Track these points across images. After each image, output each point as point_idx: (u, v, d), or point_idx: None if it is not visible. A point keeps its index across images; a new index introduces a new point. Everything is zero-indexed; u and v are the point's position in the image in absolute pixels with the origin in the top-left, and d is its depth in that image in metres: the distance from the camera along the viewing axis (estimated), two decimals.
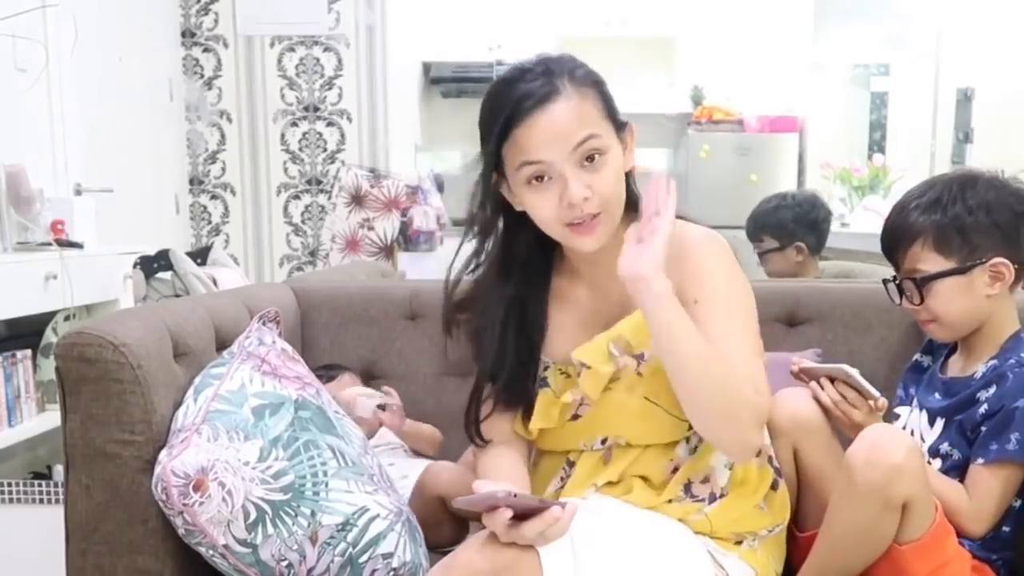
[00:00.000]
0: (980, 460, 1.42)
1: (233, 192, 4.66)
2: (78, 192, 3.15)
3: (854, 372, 1.45)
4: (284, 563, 1.35)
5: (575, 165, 1.27)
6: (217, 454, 1.33)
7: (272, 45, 4.56)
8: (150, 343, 1.40)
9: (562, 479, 1.43)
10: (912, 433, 1.53)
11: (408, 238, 4.40)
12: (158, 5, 4.31)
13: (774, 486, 1.42)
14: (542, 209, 1.30)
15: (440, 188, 4.65)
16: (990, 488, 1.41)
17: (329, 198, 4.56)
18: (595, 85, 1.32)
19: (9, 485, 2.32)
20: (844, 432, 1.46)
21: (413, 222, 4.37)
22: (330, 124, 4.61)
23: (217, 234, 4.67)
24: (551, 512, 1.18)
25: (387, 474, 1.58)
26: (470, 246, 1.41)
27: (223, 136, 4.61)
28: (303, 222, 4.68)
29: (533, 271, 1.43)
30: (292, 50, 4.56)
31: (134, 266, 2.95)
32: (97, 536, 1.38)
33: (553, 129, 1.26)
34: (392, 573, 1.42)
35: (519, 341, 1.40)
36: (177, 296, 2.90)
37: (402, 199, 4.35)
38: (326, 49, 4.56)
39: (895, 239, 1.53)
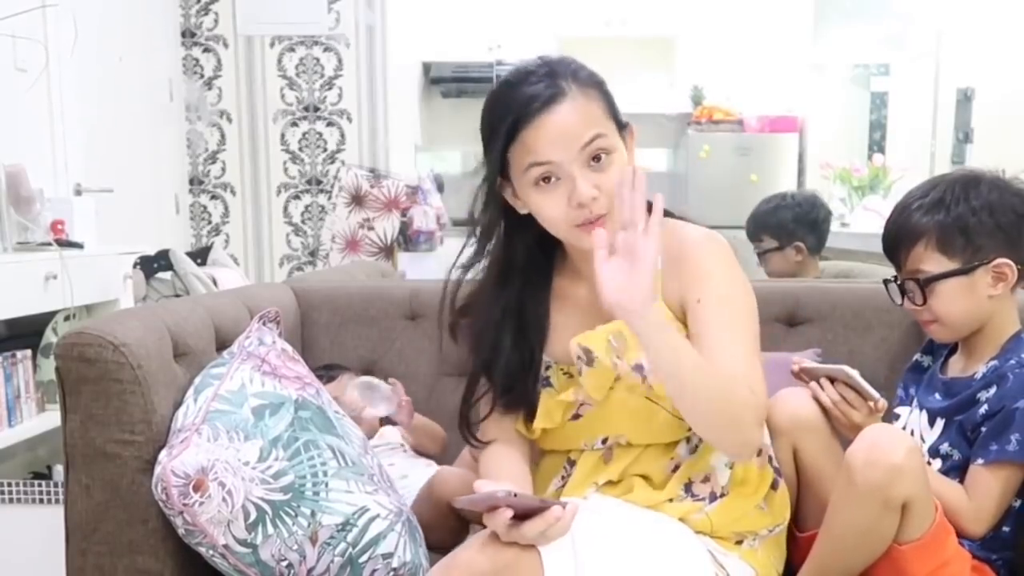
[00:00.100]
0: (980, 460, 1.42)
1: (233, 192, 4.66)
2: (78, 192, 3.15)
3: (854, 373, 1.45)
4: (284, 563, 1.35)
5: (582, 165, 1.28)
6: (217, 454, 1.33)
7: (272, 45, 4.56)
8: (150, 343, 1.40)
9: (563, 478, 1.43)
10: (912, 433, 1.53)
11: (408, 238, 4.40)
12: (158, 5, 4.32)
13: (774, 486, 1.42)
14: (550, 210, 1.30)
15: (440, 188, 4.65)
16: (990, 488, 1.41)
17: (329, 198, 4.56)
18: (598, 86, 1.33)
19: (9, 485, 2.32)
20: (843, 433, 1.46)
21: (413, 222, 4.38)
22: (330, 124, 4.61)
23: (217, 234, 4.67)
24: (552, 512, 1.18)
25: (387, 474, 1.58)
26: (470, 248, 1.41)
27: (223, 136, 4.61)
28: (303, 222, 4.68)
29: (534, 273, 1.43)
30: (292, 50, 4.57)
31: (134, 266, 2.95)
32: (97, 536, 1.38)
33: (560, 130, 1.26)
34: (392, 573, 1.42)
35: (520, 344, 1.41)
36: (177, 296, 2.90)
37: (402, 199, 4.35)
38: (326, 49, 4.56)
39: (897, 239, 1.53)
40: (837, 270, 2.86)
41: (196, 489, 1.30)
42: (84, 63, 3.23)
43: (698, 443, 1.38)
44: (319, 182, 4.64)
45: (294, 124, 4.61)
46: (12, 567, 2.28)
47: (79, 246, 2.70)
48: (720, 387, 1.24)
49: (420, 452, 1.85)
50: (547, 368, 1.42)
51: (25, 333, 2.65)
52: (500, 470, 1.38)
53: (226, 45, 4.55)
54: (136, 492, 1.36)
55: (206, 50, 4.55)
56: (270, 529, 1.34)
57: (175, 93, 4.45)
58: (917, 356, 1.66)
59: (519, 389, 1.40)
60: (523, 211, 1.35)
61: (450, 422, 1.81)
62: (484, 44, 5.78)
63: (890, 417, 1.58)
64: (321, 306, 1.98)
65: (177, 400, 1.43)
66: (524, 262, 1.42)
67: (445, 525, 1.60)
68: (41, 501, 2.30)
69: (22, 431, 2.50)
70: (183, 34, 4.53)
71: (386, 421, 1.86)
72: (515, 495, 1.16)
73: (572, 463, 1.43)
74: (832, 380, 1.48)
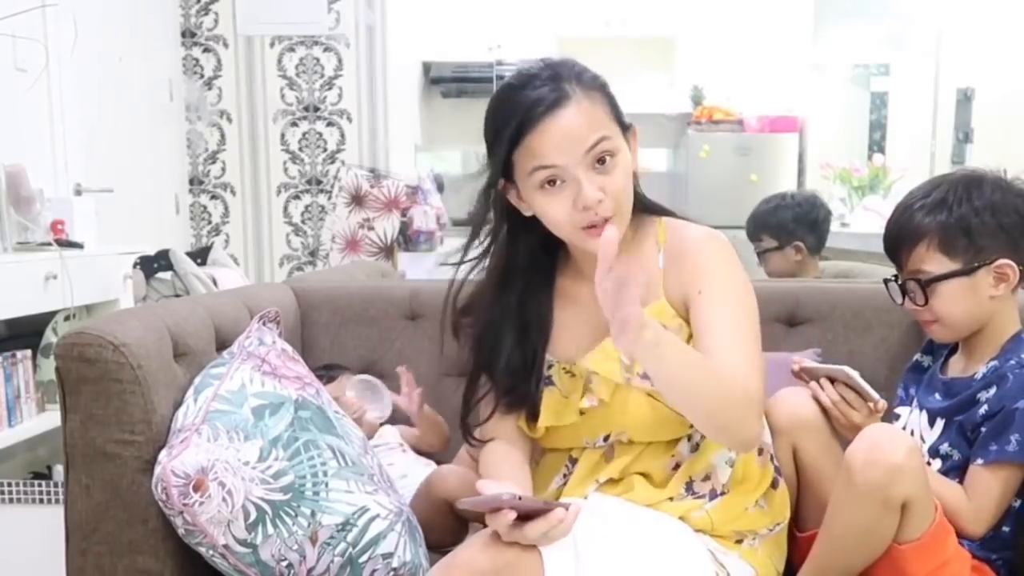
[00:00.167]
0: (980, 461, 1.42)
1: (233, 192, 4.66)
2: (78, 192, 3.15)
3: (854, 374, 1.45)
4: (284, 563, 1.35)
5: (587, 168, 1.28)
6: (217, 454, 1.33)
7: (272, 45, 4.56)
8: (150, 343, 1.40)
9: (564, 476, 1.43)
10: (912, 433, 1.53)
11: (408, 238, 4.40)
12: (158, 5, 4.31)
13: (774, 484, 1.42)
14: (555, 213, 1.30)
15: (440, 188, 4.65)
16: (989, 489, 1.41)
17: (329, 198, 4.56)
18: (601, 88, 1.33)
19: (9, 485, 2.32)
20: (843, 433, 1.46)
21: (413, 222, 4.38)
22: (330, 124, 4.61)
23: (217, 234, 4.67)
24: (555, 514, 1.18)
25: (387, 474, 1.58)
26: (472, 248, 1.42)
27: (223, 136, 4.61)
28: (303, 222, 4.68)
29: (537, 273, 1.44)
30: (292, 50, 4.56)
31: (134, 266, 2.95)
32: (97, 536, 1.38)
33: (565, 133, 1.27)
34: (392, 573, 1.42)
35: (522, 343, 1.41)
36: (177, 296, 2.90)
37: (402, 199, 4.35)
38: (326, 49, 4.56)
39: (899, 239, 1.53)
40: (837, 270, 2.86)
41: (196, 489, 1.30)
42: (84, 63, 3.23)
43: (699, 441, 1.38)
44: (319, 182, 4.64)
45: (294, 124, 4.61)
46: (12, 567, 2.28)
47: (79, 246, 2.70)
48: (720, 387, 1.24)
49: (420, 451, 1.85)
50: (549, 367, 1.43)
51: (25, 333, 2.65)
52: (501, 470, 1.38)
53: (226, 45, 4.55)
54: (136, 492, 1.36)
55: (206, 50, 4.55)
56: (270, 529, 1.34)
57: (175, 93, 4.44)
58: (917, 356, 1.66)
59: (522, 388, 1.41)
60: (527, 213, 1.35)
61: (450, 422, 1.82)
62: (484, 44, 5.79)
63: (890, 417, 1.58)
64: (321, 306, 1.98)
65: (177, 400, 1.43)
66: (527, 263, 1.42)
67: (444, 523, 1.60)
68: (41, 501, 2.30)
69: (22, 431, 2.50)
70: (183, 34, 4.53)
71: (394, 418, 1.86)
72: (519, 498, 1.16)
73: (574, 461, 1.43)
74: (832, 380, 1.48)
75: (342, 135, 4.61)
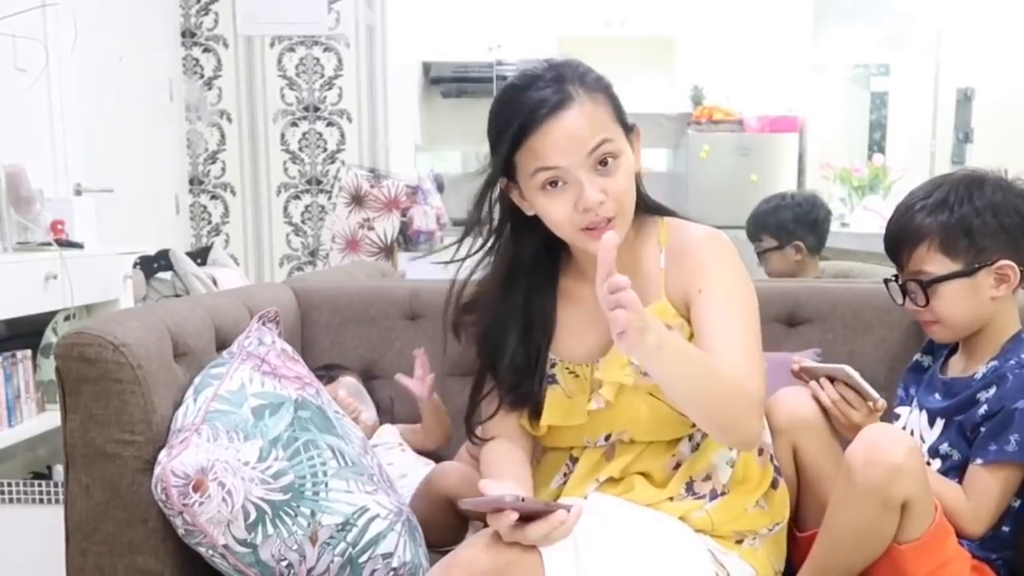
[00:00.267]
0: (979, 461, 1.42)
1: (233, 192, 4.66)
2: (78, 192, 3.15)
3: (854, 373, 1.45)
4: (284, 563, 1.35)
5: (589, 170, 1.28)
6: (217, 454, 1.33)
7: (272, 45, 4.56)
8: (150, 343, 1.40)
9: (565, 475, 1.43)
10: (912, 433, 1.53)
11: (408, 238, 4.40)
12: (158, 5, 4.31)
13: (774, 484, 1.42)
14: (556, 214, 1.31)
15: (440, 188, 4.65)
16: (989, 489, 1.41)
17: (329, 198, 4.56)
18: (604, 90, 1.33)
19: (9, 485, 2.32)
20: (843, 433, 1.46)
21: (413, 222, 4.37)
22: (330, 124, 4.61)
23: (217, 234, 4.67)
24: (556, 515, 1.18)
25: (387, 474, 1.58)
26: (468, 247, 1.42)
27: (223, 136, 4.61)
28: (303, 222, 4.68)
29: (540, 273, 1.44)
30: (292, 50, 4.56)
31: (134, 266, 2.95)
32: (97, 536, 1.38)
33: (568, 135, 1.27)
34: (392, 573, 1.42)
35: (526, 342, 1.42)
36: (177, 296, 2.90)
37: (402, 199, 4.35)
38: (326, 49, 4.56)
39: (900, 240, 1.53)
40: (837, 270, 2.86)
41: (196, 489, 1.30)
42: (84, 63, 3.23)
43: (700, 441, 1.39)
44: (319, 182, 4.64)
45: (294, 124, 4.61)
46: (12, 567, 2.28)
47: (79, 246, 2.70)
48: (721, 386, 1.24)
49: (419, 450, 1.85)
50: (552, 366, 1.43)
51: (25, 333, 2.65)
52: (502, 468, 1.38)
53: (226, 45, 4.55)
54: (136, 492, 1.36)
55: (206, 50, 4.55)
56: (270, 529, 1.34)
57: (175, 93, 4.44)
58: (917, 356, 1.66)
59: (525, 386, 1.41)
60: (530, 212, 1.36)
61: (453, 422, 1.82)
62: (484, 44, 5.79)
63: (890, 417, 1.58)
64: (321, 306, 1.98)
65: (177, 400, 1.42)
66: (530, 262, 1.43)
67: (444, 521, 1.59)
68: (41, 501, 2.30)
69: (22, 431, 2.50)
70: (183, 34, 4.53)
71: (394, 416, 1.86)
72: (522, 499, 1.16)
73: (575, 460, 1.43)
74: (832, 380, 1.48)
75: (342, 135, 4.61)
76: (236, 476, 1.33)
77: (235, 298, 1.76)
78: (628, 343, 1.14)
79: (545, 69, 1.31)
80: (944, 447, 1.48)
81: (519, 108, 1.28)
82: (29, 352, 2.57)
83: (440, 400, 1.84)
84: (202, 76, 4.56)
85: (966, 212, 1.46)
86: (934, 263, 1.48)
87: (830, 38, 5.82)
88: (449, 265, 1.46)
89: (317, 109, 4.60)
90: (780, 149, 5.80)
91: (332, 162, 4.61)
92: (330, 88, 4.58)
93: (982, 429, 1.43)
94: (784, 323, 1.89)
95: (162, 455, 1.33)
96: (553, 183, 1.29)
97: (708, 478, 1.37)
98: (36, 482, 2.35)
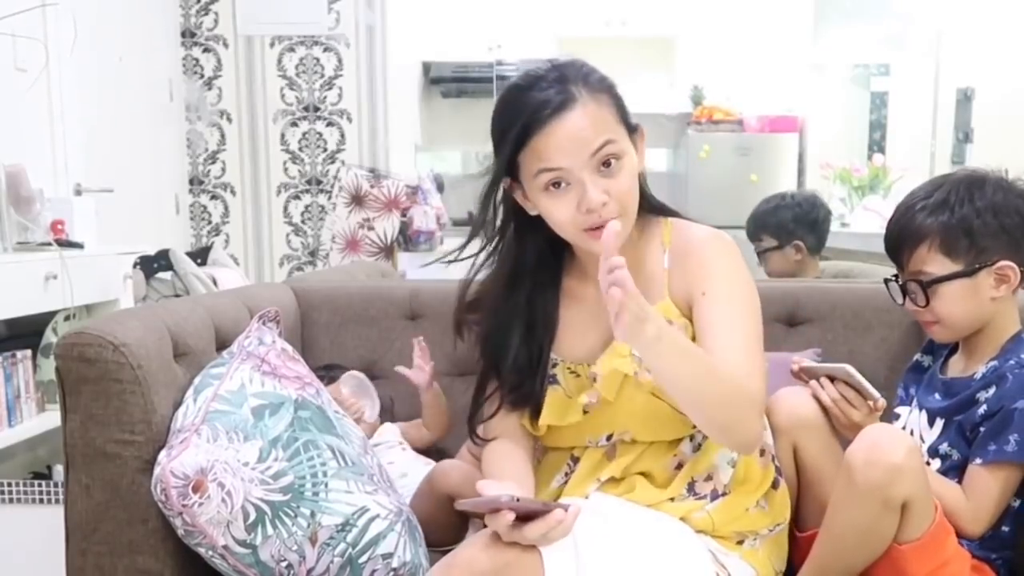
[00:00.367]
0: (978, 461, 1.42)
1: (233, 192, 4.66)
2: (78, 192, 3.15)
3: (854, 372, 1.45)
4: (284, 564, 1.35)
5: (593, 171, 1.28)
6: (216, 455, 1.33)
7: (272, 45, 4.56)
8: (150, 343, 1.40)
9: (566, 475, 1.43)
10: (912, 433, 1.53)
11: (408, 238, 4.40)
12: (158, 5, 4.31)
13: (775, 485, 1.42)
14: (559, 214, 1.30)
15: (440, 188, 4.66)
16: (988, 488, 1.41)
17: (329, 198, 4.56)
18: (608, 90, 1.32)
19: (9, 485, 2.32)
20: (843, 432, 1.46)
21: (413, 222, 4.37)
22: (330, 124, 4.61)
23: (217, 234, 4.67)
24: (554, 515, 1.18)
25: (387, 474, 1.58)
26: (472, 247, 1.42)
27: (223, 136, 4.61)
28: (303, 222, 4.68)
29: (543, 272, 1.44)
30: (292, 50, 4.56)
31: (134, 266, 2.95)
32: (97, 536, 1.38)
33: (571, 136, 1.26)
34: (392, 573, 1.41)
35: (528, 341, 1.42)
36: (177, 296, 2.90)
37: (402, 199, 4.35)
38: (326, 49, 4.56)
39: (900, 240, 1.52)
40: (837, 270, 2.86)
41: (195, 490, 1.30)
42: (84, 63, 3.23)
43: (701, 441, 1.39)
44: (319, 182, 4.64)
45: (294, 124, 4.60)
46: (12, 567, 2.28)
47: (79, 246, 2.70)
48: (721, 386, 1.24)
49: (419, 447, 1.85)
50: (554, 366, 1.43)
51: (25, 333, 2.65)
52: (503, 468, 1.38)
53: (226, 45, 4.55)
54: (136, 492, 1.36)
55: (206, 50, 4.55)
56: (270, 530, 1.34)
57: (175, 93, 4.44)
58: (917, 356, 1.66)
59: (527, 386, 1.41)
60: (533, 212, 1.35)
61: (454, 421, 1.82)
62: (484, 44, 5.79)
63: (890, 417, 1.58)
64: (321, 306, 1.98)
65: (177, 400, 1.42)
66: (534, 262, 1.43)
67: (445, 520, 1.59)
68: (41, 501, 2.30)
69: (22, 431, 2.50)
70: (183, 34, 4.53)
71: (394, 414, 1.86)
72: (518, 500, 1.16)
73: (576, 459, 1.43)
74: (832, 379, 1.48)
75: (342, 135, 4.61)
76: (236, 477, 1.33)
77: (235, 298, 1.76)
78: (625, 328, 1.13)
79: (548, 69, 1.31)
80: (944, 447, 1.48)
81: (522, 109, 1.28)
82: (29, 352, 2.57)
83: (440, 389, 1.84)
84: (202, 76, 4.56)
85: (967, 212, 1.45)
86: (934, 263, 1.48)
87: (830, 38, 5.82)
88: (450, 265, 1.46)
89: (317, 109, 4.60)
90: (780, 149, 5.80)
91: (332, 162, 4.61)
92: (330, 88, 4.58)
93: (982, 429, 1.43)
94: (784, 323, 1.89)
95: (162, 456, 1.33)
96: (556, 184, 1.29)
97: (709, 478, 1.38)
98: (36, 482, 2.35)
